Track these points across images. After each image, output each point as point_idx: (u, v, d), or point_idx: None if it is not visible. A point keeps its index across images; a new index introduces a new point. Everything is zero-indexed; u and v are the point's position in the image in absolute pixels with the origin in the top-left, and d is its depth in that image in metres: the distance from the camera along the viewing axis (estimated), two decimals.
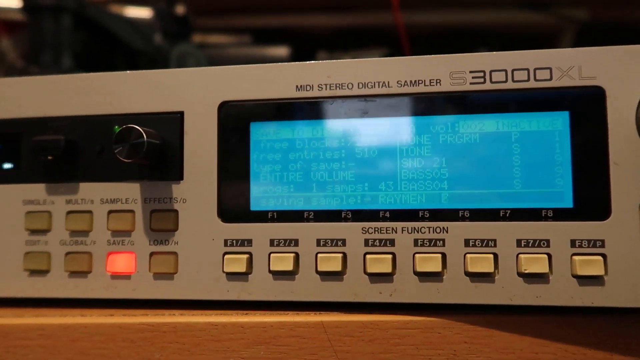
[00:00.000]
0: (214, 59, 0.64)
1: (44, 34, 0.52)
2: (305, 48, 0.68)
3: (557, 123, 0.28)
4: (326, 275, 0.29)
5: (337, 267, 0.28)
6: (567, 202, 0.27)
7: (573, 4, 0.65)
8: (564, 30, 0.67)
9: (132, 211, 0.31)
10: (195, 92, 0.31)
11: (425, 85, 0.29)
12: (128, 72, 0.32)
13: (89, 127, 0.31)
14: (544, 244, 0.27)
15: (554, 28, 0.67)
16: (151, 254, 0.30)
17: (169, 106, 0.31)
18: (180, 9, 0.62)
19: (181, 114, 0.31)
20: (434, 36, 0.70)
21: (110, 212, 0.31)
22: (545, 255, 0.27)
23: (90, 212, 0.31)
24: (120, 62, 0.59)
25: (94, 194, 0.31)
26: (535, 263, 0.27)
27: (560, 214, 0.27)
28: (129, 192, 0.31)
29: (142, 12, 0.64)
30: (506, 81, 0.28)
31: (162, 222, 0.30)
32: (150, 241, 0.31)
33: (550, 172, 0.28)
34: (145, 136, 0.28)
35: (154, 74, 0.31)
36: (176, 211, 0.30)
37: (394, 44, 0.62)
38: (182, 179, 0.30)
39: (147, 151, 0.29)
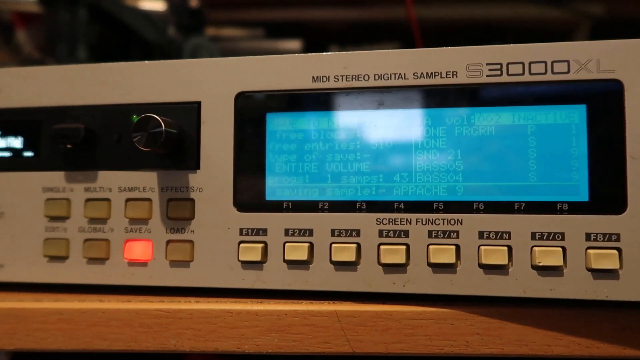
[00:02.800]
0: (227, 52, 0.65)
1: (60, 26, 0.53)
2: (317, 42, 0.68)
3: (574, 116, 0.28)
4: (340, 265, 0.29)
5: (351, 257, 0.29)
6: (583, 196, 0.27)
7: None
8: (580, 25, 0.66)
9: (149, 199, 0.31)
10: (212, 83, 0.31)
11: (441, 77, 0.29)
12: (147, 62, 0.32)
13: (107, 116, 0.32)
14: (558, 237, 0.27)
15: (569, 23, 0.66)
16: (168, 242, 0.31)
17: (186, 96, 0.31)
18: (194, 2, 0.62)
19: (198, 104, 0.31)
20: (447, 31, 0.70)
21: (127, 200, 0.31)
22: (560, 249, 0.27)
23: (108, 200, 0.32)
24: (134, 54, 0.60)
25: (112, 182, 0.32)
26: (550, 256, 0.27)
27: (575, 208, 0.27)
28: (147, 181, 0.31)
29: (156, 5, 0.65)
30: (523, 74, 0.28)
31: (179, 210, 0.31)
32: (167, 229, 0.31)
33: (566, 165, 0.28)
34: (163, 125, 0.29)
35: (172, 64, 0.32)
36: (192, 200, 0.31)
37: (407, 38, 0.62)
38: (198, 168, 0.31)
39: (164, 140, 0.29)
